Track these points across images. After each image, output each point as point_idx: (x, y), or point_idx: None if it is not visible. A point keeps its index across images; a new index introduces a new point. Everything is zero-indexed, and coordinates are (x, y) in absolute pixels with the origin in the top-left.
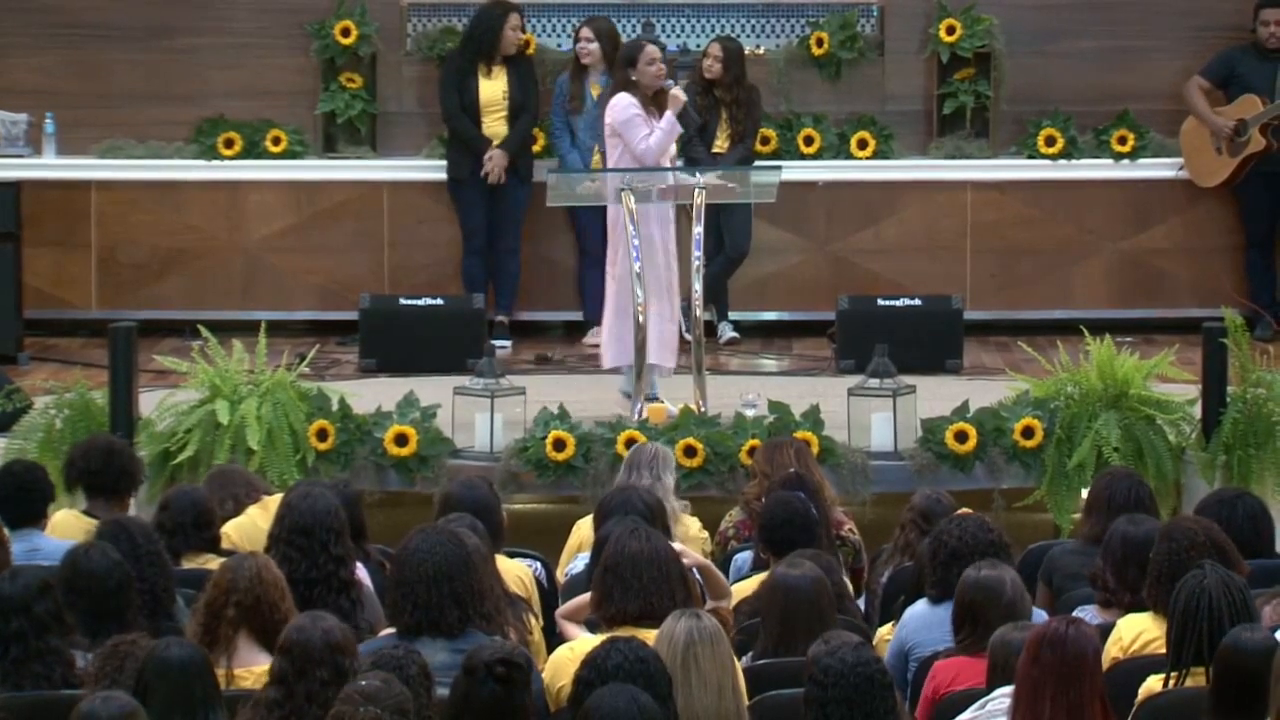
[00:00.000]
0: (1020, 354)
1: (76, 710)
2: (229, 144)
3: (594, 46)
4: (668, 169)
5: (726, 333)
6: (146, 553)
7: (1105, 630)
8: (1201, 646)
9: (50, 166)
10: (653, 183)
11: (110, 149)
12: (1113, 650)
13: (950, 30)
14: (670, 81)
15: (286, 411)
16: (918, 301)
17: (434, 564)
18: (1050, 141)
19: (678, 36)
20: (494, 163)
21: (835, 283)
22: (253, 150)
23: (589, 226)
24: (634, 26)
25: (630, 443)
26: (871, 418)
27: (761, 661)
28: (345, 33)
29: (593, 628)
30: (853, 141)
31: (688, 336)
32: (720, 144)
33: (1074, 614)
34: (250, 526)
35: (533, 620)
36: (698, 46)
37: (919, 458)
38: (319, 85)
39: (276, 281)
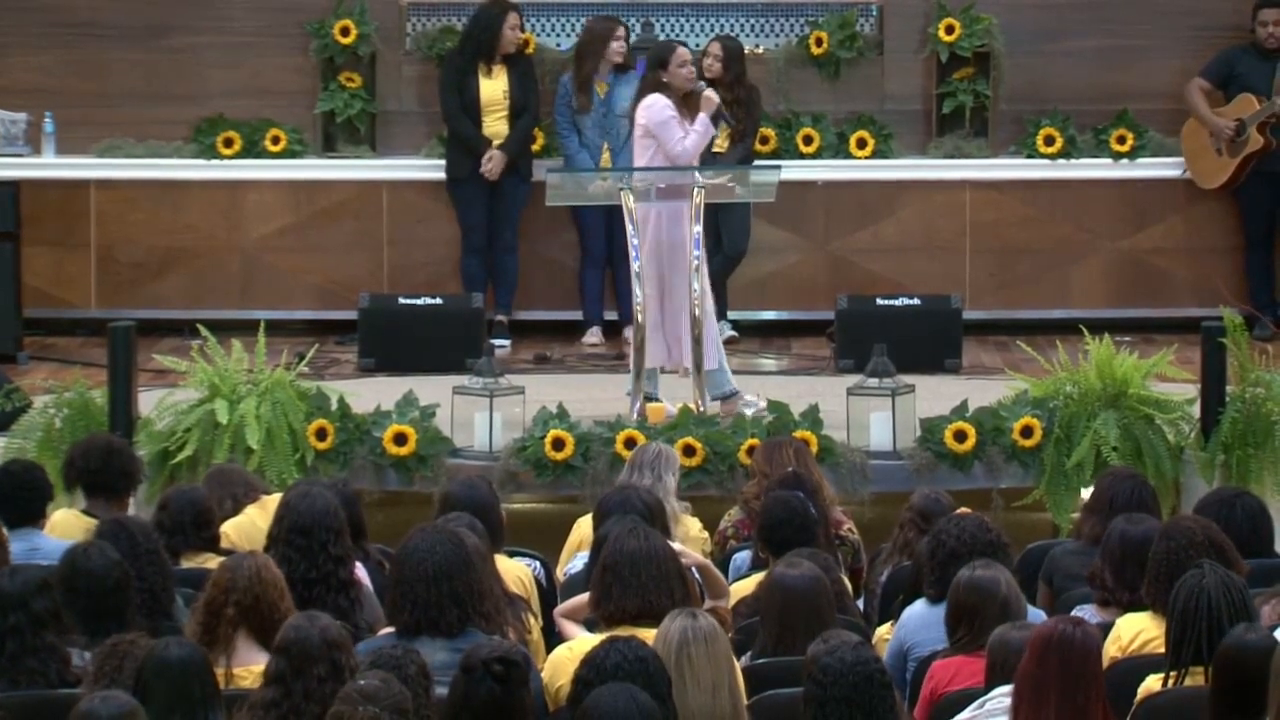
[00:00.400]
0: (1019, 353)
1: (76, 709)
2: (228, 143)
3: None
4: (671, 169)
5: (725, 332)
6: (146, 552)
7: (1104, 629)
8: (1200, 646)
9: (49, 166)
10: (652, 182)
11: (109, 148)
12: (1111, 650)
13: (949, 30)
14: (702, 84)
15: (285, 411)
16: (917, 301)
17: (433, 563)
18: (1049, 141)
19: (678, 36)
20: (494, 163)
21: (834, 282)
22: (252, 150)
23: (593, 227)
24: (634, 26)
25: (630, 442)
26: (870, 417)
27: (760, 661)
28: (344, 32)
29: (591, 627)
30: (852, 141)
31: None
32: (720, 143)
33: (1073, 613)
34: (249, 526)
35: (532, 620)
36: (697, 46)
37: (918, 457)
38: (318, 85)
39: (276, 281)
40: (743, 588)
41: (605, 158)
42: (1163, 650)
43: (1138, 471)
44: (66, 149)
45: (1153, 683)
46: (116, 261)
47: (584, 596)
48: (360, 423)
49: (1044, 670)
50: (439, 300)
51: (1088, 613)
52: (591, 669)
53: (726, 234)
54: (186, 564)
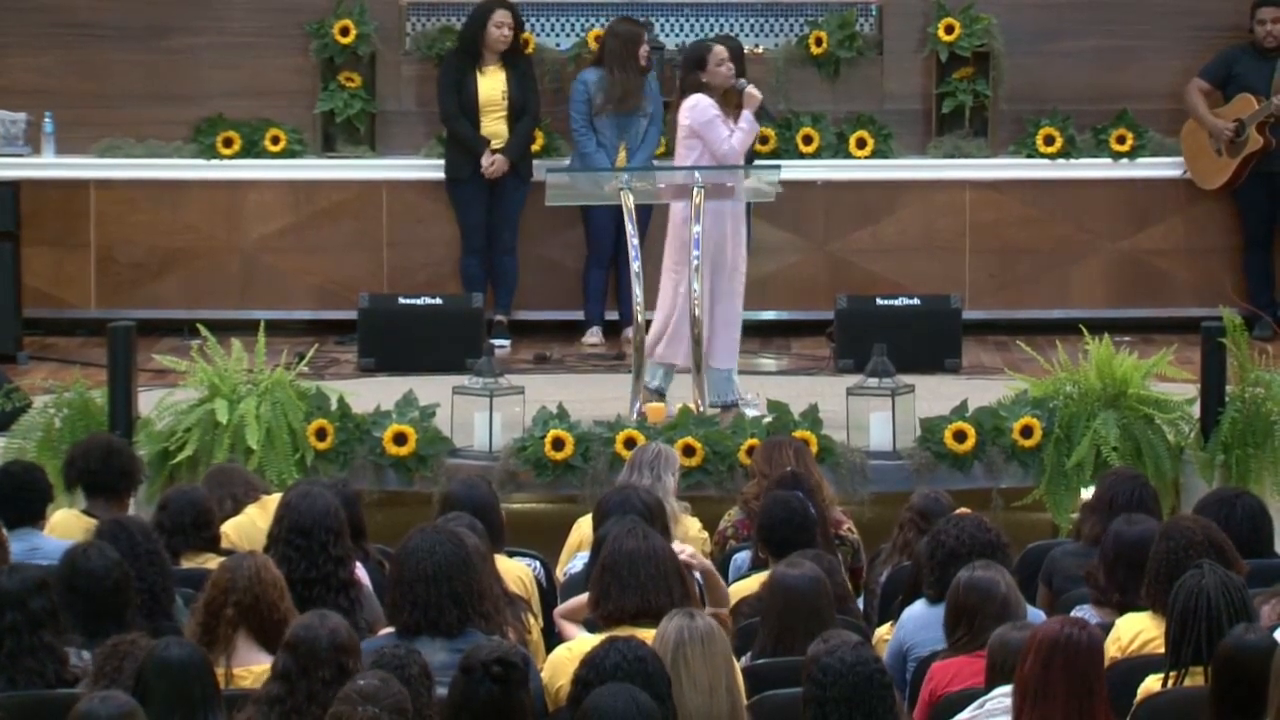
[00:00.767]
0: (1019, 353)
1: (75, 710)
2: (228, 143)
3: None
4: (675, 169)
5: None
6: (145, 552)
7: (1101, 630)
8: (1200, 646)
9: (49, 166)
10: (652, 181)
11: (109, 148)
12: (1111, 650)
13: (949, 29)
14: (742, 81)
15: (285, 411)
16: (916, 301)
17: (433, 563)
18: (1049, 141)
19: (678, 36)
20: (496, 166)
21: (834, 282)
22: (251, 150)
23: (602, 227)
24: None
25: (630, 442)
26: (870, 417)
27: (760, 661)
28: (344, 32)
29: (591, 627)
30: (851, 141)
31: None
32: None
33: (1072, 614)
34: (249, 526)
35: (532, 620)
36: None
37: (918, 457)
38: (318, 85)
39: (275, 281)
40: (743, 588)
41: (621, 158)
42: (1163, 650)
43: (1139, 472)
44: (66, 149)
45: (1153, 683)
46: (116, 261)
47: (583, 597)
48: (360, 423)
49: (1048, 673)
50: (439, 300)
51: (1086, 613)
52: (591, 669)
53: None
54: (187, 564)
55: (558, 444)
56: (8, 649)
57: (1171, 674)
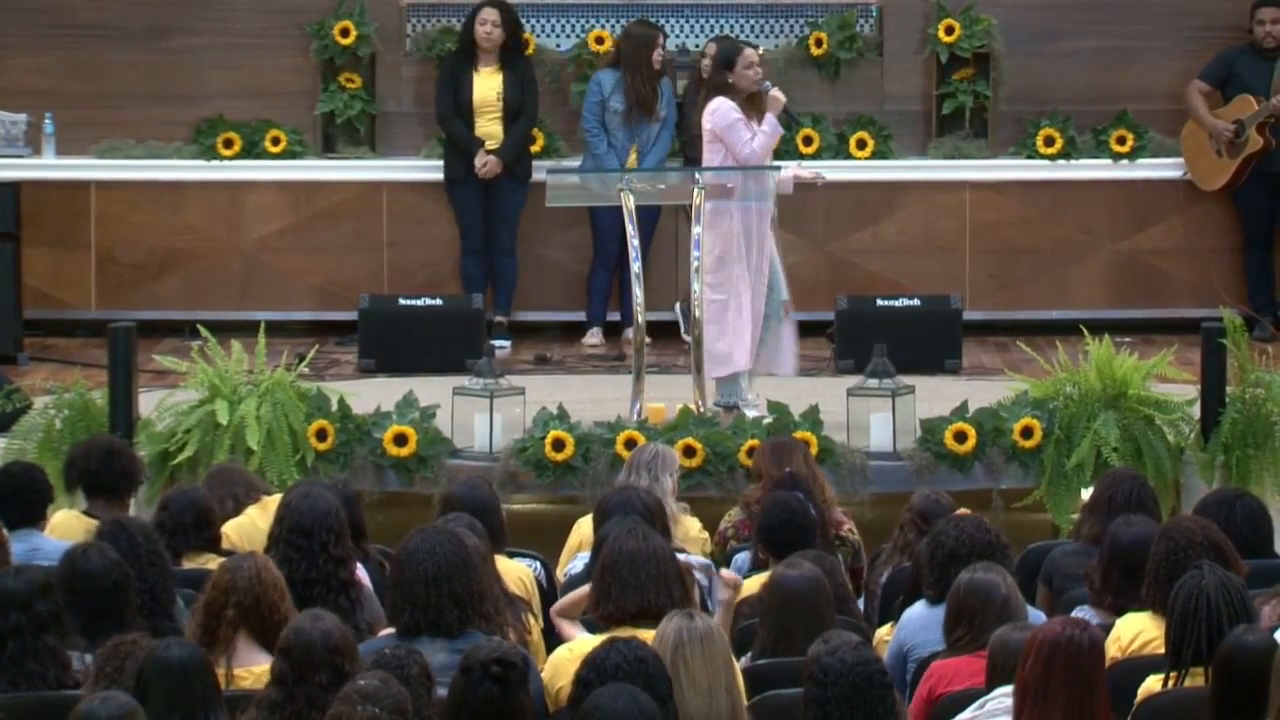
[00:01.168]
0: (1019, 354)
1: (76, 710)
2: (228, 144)
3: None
4: (678, 169)
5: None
6: (146, 553)
7: (1102, 630)
8: (1200, 646)
9: (49, 166)
10: (653, 182)
11: (109, 149)
12: (1111, 650)
13: (949, 30)
14: (768, 84)
15: (286, 411)
16: (917, 301)
17: (434, 564)
18: (1049, 142)
19: (678, 36)
20: (489, 166)
21: (834, 283)
22: (252, 150)
23: (608, 228)
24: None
25: (630, 443)
26: (870, 418)
27: (760, 661)
28: (344, 33)
29: (591, 628)
30: (852, 142)
31: (686, 336)
32: None
33: (1072, 614)
34: (250, 526)
35: (532, 620)
36: (697, 46)
37: (918, 458)
38: (318, 85)
39: (275, 281)
40: (743, 588)
41: (632, 159)
42: (1163, 651)
43: (1138, 473)
44: (67, 150)
45: (1153, 683)
46: (117, 262)
47: (579, 592)
48: (360, 423)
49: (1049, 673)
50: (439, 301)
51: (1087, 613)
52: (592, 670)
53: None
54: (188, 564)
55: (558, 445)
56: (11, 651)
57: (1172, 674)
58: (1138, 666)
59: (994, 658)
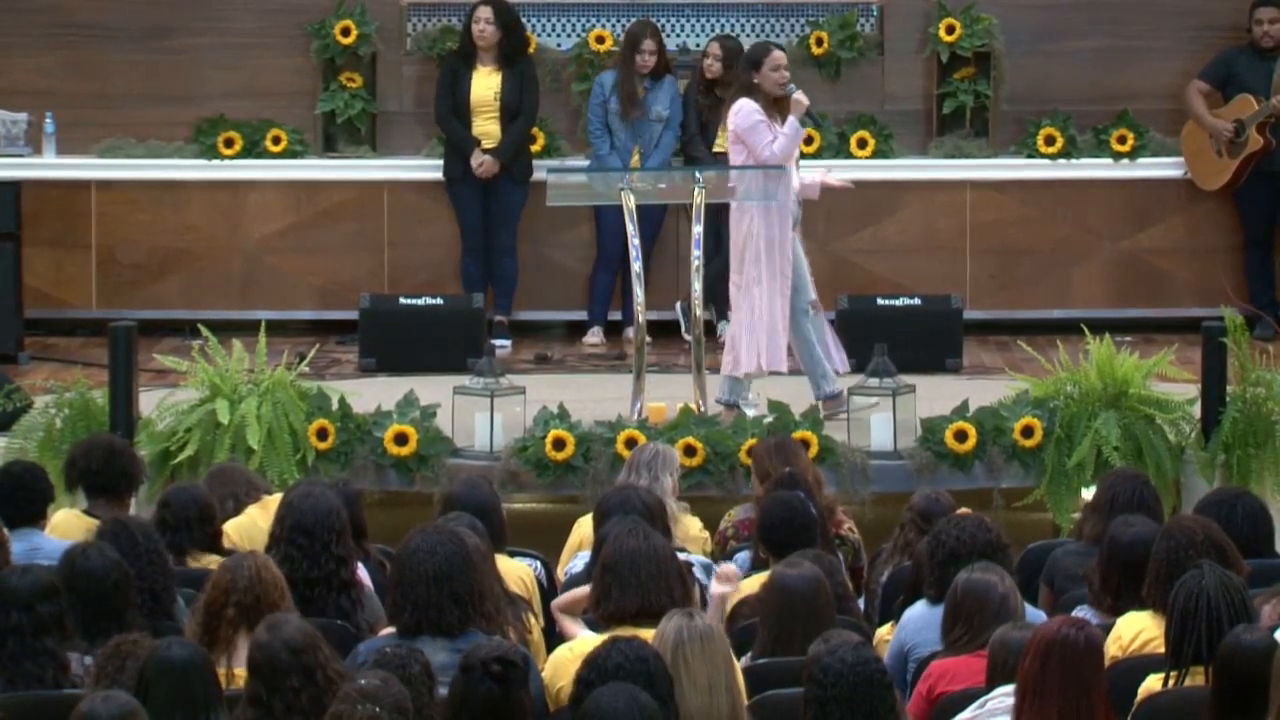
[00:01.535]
0: (1020, 353)
1: (77, 710)
2: (229, 144)
3: (654, 60)
4: (679, 169)
5: (726, 332)
6: (146, 552)
7: (1101, 630)
8: (1200, 646)
9: (50, 166)
10: (654, 182)
11: (110, 149)
12: (1112, 649)
13: (950, 30)
14: (793, 86)
15: (286, 411)
16: (917, 301)
17: (434, 563)
18: (1050, 141)
19: (678, 36)
20: (485, 166)
21: (835, 282)
22: (252, 150)
23: (615, 228)
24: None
25: (630, 442)
26: (871, 417)
27: (760, 661)
28: (345, 32)
29: (592, 627)
30: (852, 141)
31: (687, 336)
32: (722, 143)
33: (1073, 614)
34: (250, 526)
35: (533, 620)
36: (698, 46)
37: (918, 457)
38: (319, 85)
39: (276, 281)
40: (743, 588)
41: (635, 161)
42: (1163, 650)
43: (1140, 472)
44: (67, 149)
45: (1153, 683)
46: (117, 262)
47: (580, 590)
48: (361, 423)
49: (1046, 672)
50: (439, 300)
51: (1087, 613)
52: (593, 669)
53: (728, 235)
54: (191, 564)
55: (559, 444)
56: (10, 649)
57: (1172, 674)
58: (1138, 666)
59: (994, 657)
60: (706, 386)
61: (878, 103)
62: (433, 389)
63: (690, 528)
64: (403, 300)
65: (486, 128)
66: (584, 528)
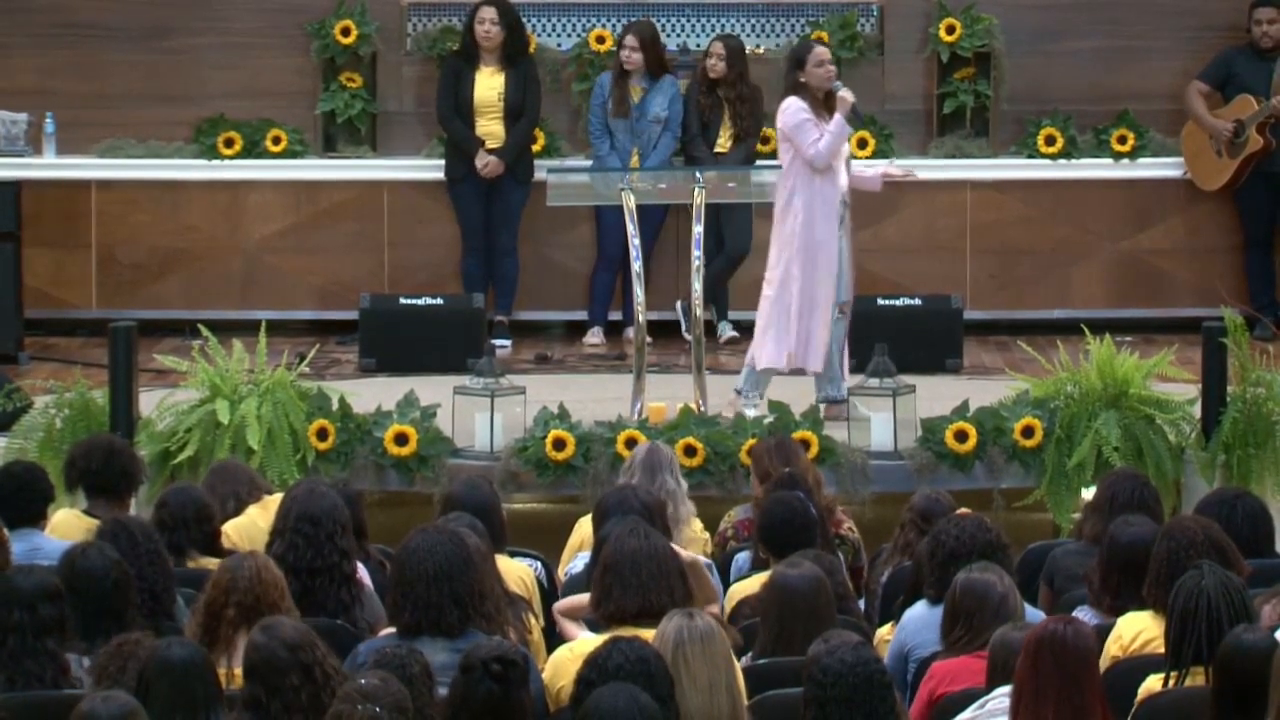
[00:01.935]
0: (1020, 354)
1: (77, 710)
2: (229, 144)
3: (638, 56)
4: (679, 169)
5: (726, 332)
6: (146, 552)
7: (1103, 630)
8: (1200, 646)
9: (50, 166)
10: (654, 182)
11: (110, 149)
12: (1113, 649)
13: (950, 30)
14: (839, 83)
15: (286, 411)
16: (917, 301)
17: (434, 563)
18: (1050, 141)
19: (678, 36)
20: (490, 167)
21: None
22: (253, 150)
23: (612, 228)
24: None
25: (630, 442)
26: (871, 417)
27: (760, 661)
28: (345, 32)
29: (592, 627)
30: (853, 141)
31: (687, 336)
32: (723, 143)
33: (1072, 614)
34: (250, 526)
35: (533, 620)
36: (698, 46)
37: (919, 457)
38: (319, 85)
39: (276, 281)
40: (743, 588)
41: (634, 162)
42: (1163, 650)
43: (1140, 472)
44: (67, 149)
45: (1153, 683)
46: (117, 262)
47: (584, 595)
48: (361, 423)
49: (1039, 671)
50: (440, 300)
51: (1087, 614)
52: (594, 669)
53: (729, 235)
54: (190, 565)
55: (559, 444)
56: (10, 648)
57: (1172, 674)
58: (1138, 666)
59: (995, 657)
60: (706, 386)
61: (878, 103)
62: (433, 389)
63: (692, 527)
64: (403, 300)
65: (490, 128)
66: (584, 528)
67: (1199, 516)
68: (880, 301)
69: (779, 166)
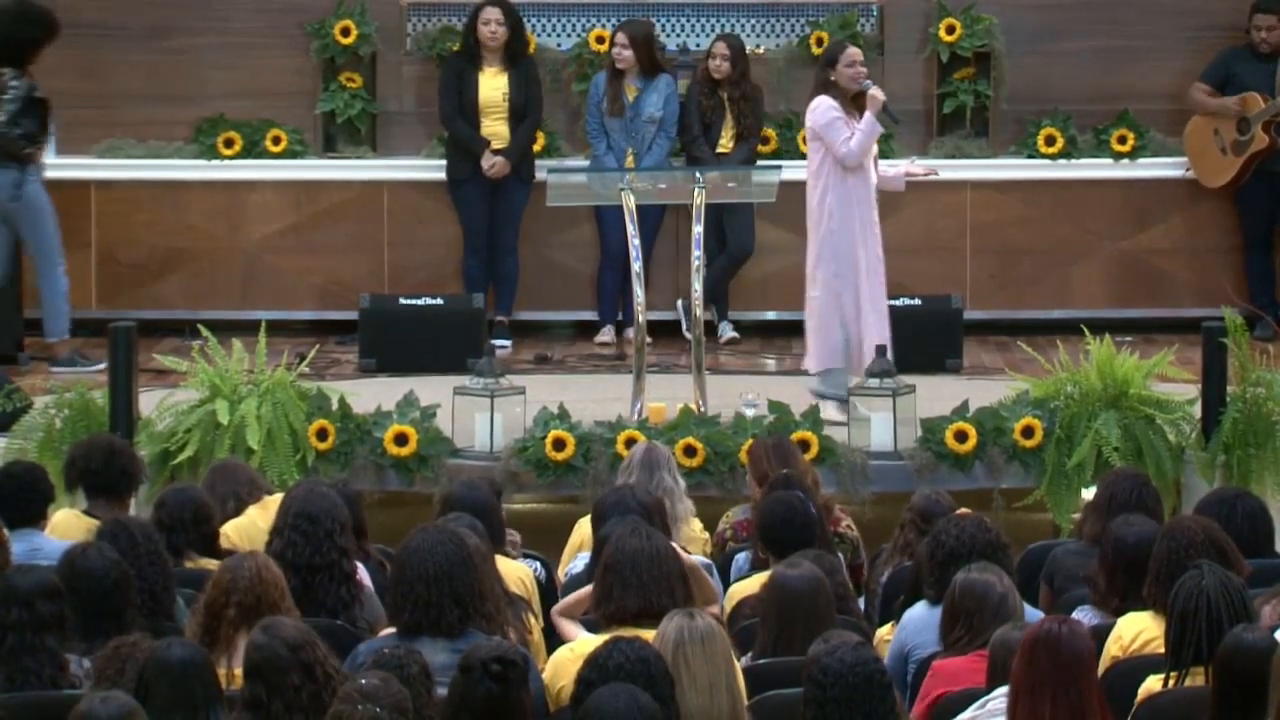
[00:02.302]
0: (1020, 354)
1: (76, 710)
2: (229, 144)
3: (629, 53)
4: (679, 169)
5: (726, 332)
6: (146, 552)
7: (1102, 630)
8: (1200, 646)
9: (50, 166)
10: (653, 182)
11: (110, 149)
12: (1113, 649)
13: (950, 30)
14: (869, 82)
15: (286, 411)
16: (917, 301)
17: (434, 564)
18: (1050, 141)
19: (678, 36)
20: (497, 167)
21: None
22: (253, 150)
23: (613, 228)
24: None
25: (630, 443)
26: (871, 417)
27: (760, 661)
28: (345, 32)
29: (593, 627)
30: None
31: (687, 334)
32: (725, 143)
33: (1073, 614)
34: (250, 527)
35: (533, 620)
36: (698, 46)
37: (919, 457)
38: (319, 85)
39: (276, 281)
40: (743, 588)
41: (630, 163)
42: (1163, 650)
43: (1141, 472)
44: (67, 149)
45: (1153, 683)
46: (117, 262)
47: (581, 593)
48: (361, 423)
49: (1035, 670)
50: (440, 301)
51: (1087, 614)
52: (594, 669)
53: (731, 235)
54: (188, 565)
55: (559, 444)
56: (9, 645)
57: (1172, 674)
58: (1138, 666)
59: (995, 657)
60: (706, 386)
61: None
62: (433, 389)
63: (691, 528)
64: (403, 300)
65: (495, 129)
66: (584, 528)
67: (1199, 516)
68: None
69: (779, 167)
